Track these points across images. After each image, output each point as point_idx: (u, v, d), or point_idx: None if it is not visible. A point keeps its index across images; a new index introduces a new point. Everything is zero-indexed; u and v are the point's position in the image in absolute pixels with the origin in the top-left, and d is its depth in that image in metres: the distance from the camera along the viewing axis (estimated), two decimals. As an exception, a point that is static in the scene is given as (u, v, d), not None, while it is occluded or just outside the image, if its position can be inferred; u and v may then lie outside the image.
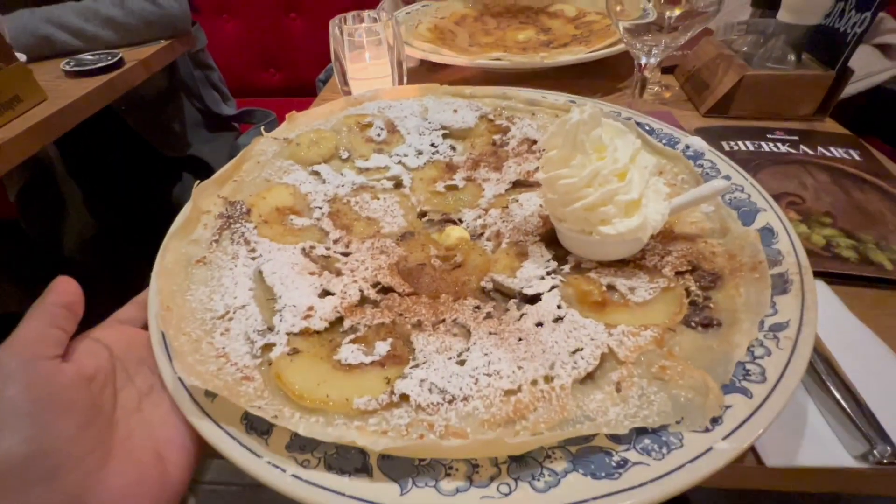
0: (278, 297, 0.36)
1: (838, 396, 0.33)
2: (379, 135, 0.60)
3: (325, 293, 0.38)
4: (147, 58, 1.11)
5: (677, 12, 0.61)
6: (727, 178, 0.46)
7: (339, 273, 0.40)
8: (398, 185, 0.53)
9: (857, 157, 0.59)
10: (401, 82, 0.76)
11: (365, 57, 0.74)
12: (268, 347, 0.33)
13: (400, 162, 0.56)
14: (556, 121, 0.39)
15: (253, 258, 0.41)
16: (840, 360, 0.37)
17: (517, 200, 0.49)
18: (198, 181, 0.45)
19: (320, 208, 0.49)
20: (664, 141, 0.52)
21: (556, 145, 0.39)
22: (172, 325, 0.32)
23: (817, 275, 0.37)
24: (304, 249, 0.43)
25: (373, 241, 0.44)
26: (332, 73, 1.24)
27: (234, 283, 0.38)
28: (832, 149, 0.60)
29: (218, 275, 0.39)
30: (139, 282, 0.38)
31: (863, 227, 0.48)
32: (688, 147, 0.51)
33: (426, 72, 0.93)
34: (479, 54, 0.86)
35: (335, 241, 0.45)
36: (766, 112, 0.72)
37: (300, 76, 1.89)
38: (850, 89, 0.69)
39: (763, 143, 0.62)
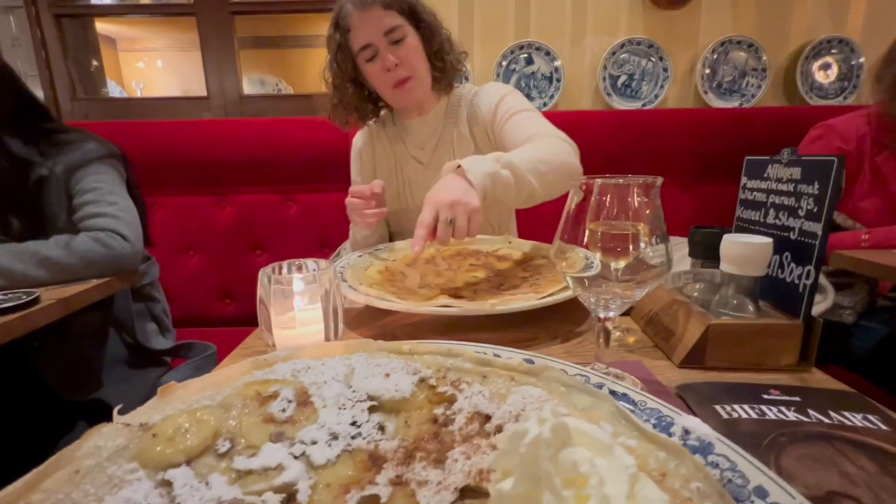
0: None
1: None
2: (284, 410, 0.45)
3: None
4: (69, 297, 1.01)
5: (622, 264, 0.59)
6: (762, 490, 0.32)
7: None
8: (290, 498, 0.36)
9: (884, 426, 0.48)
10: (336, 333, 0.66)
11: (294, 304, 0.66)
12: None
13: (303, 454, 0.40)
14: (509, 430, 0.26)
15: None
16: None
17: (465, 531, 0.32)
18: None
19: (142, 563, 0.30)
20: (653, 421, 0.40)
21: (509, 471, 0.25)
22: None
23: None
24: None
25: None
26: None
27: None
28: (847, 415, 0.50)
29: None
30: None
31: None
32: (686, 432, 0.38)
33: (373, 315, 0.86)
34: (426, 297, 0.81)
35: None
36: (745, 363, 0.64)
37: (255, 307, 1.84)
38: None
39: (765, 408, 0.51)
